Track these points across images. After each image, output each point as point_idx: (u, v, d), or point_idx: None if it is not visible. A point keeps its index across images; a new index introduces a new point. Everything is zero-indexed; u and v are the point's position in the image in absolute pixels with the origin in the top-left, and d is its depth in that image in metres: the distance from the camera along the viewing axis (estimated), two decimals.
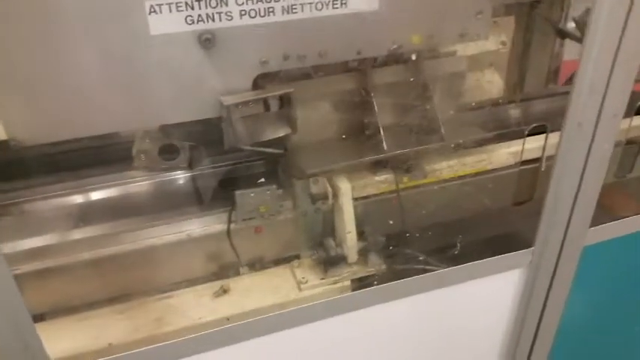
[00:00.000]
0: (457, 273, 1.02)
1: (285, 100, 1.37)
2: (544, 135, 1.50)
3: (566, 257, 1.05)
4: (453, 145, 1.51)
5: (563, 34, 2.06)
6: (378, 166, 1.54)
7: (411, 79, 1.53)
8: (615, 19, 0.82)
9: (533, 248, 1.02)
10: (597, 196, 0.97)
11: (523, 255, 1.03)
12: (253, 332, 1.25)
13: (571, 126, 0.89)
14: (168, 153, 1.49)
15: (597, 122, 0.89)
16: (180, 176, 1.48)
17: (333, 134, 1.52)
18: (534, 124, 1.49)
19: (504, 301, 1.05)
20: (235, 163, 1.51)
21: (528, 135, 1.56)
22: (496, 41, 1.89)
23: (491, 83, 2.61)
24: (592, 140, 0.90)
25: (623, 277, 1.15)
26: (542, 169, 1.33)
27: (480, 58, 2.15)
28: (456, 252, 1.30)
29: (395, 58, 1.49)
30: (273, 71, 1.37)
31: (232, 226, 1.43)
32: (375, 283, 1.36)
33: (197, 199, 1.49)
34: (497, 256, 1.03)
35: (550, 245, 1.01)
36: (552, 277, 1.05)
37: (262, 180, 1.48)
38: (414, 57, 1.48)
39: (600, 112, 0.89)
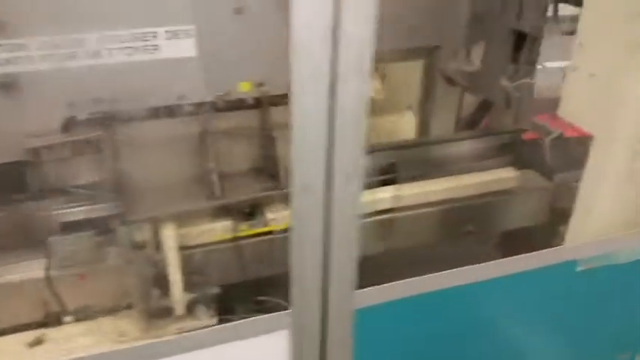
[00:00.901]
0: (217, 333, 1.02)
1: (101, 144, 1.40)
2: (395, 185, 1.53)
3: (335, 320, 1.04)
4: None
5: (450, 81, 2.11)
6: (218, 212, 1.55)
7: (254, 125, 1.56)
8: (321, 70, 0.82)
9: (290, 311, 1.01)
10: (355, 259, 0.98)
11: (281, 317, 1.02)
12: None
13: (297, 189, 0.90)
14: None
15: (329, 185, 0.90)
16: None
17: (171, 179, 1.54)
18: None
19: None
20: (68, 207, 1.52)
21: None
22: (371, 88, 1.92)
23: (407, 126, 2.66)
24: (327, 204, 0.91)
25: (409, 339, 1.14)
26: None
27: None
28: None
29: (237, 104, 1.52)
30: (105, 113, 1.42)
31: (52, 273, 1.44)
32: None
33: (20, 244, 1.49)
34: (257, 317, 1.02)
35: (308, 308, 1.01)
36: (323, 341, 1.05)
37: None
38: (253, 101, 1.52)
39: (328, 173, 0.90)
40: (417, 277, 1.09)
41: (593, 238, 1.31)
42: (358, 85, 0.86)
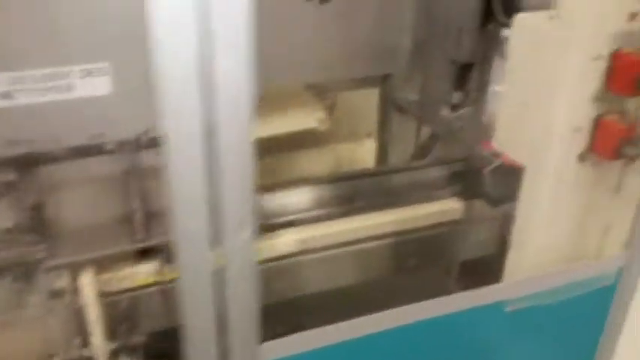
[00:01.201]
0: None
1: (19, 187, 1.34)
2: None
3: None
4: None
5: (401, 110, 2.08)
6: (143, 255, 1.49)
7: None
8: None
9: None
10: (255, 309, 0.91)
11: None
12: None
13: (179, 238, 0.84)
14: None
15: (218, 233, 0.84)
16: None
17: (95, 221, 1.47)
18: None
19: None
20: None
21: None
22: (314, 118, 1.88)
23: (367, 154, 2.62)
24: (218, 253, 0.85)
25: None
26: None
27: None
28: None
29: (158, 141, 1.46)
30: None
31: None
32: None
33: None
34: None
35: None
36: None
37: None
38: None
39: (215, 221, 0.85)
40: (333, 325, 1.03)
41: (529, 274, 1.25)
42: (239, 127, 0.81)
